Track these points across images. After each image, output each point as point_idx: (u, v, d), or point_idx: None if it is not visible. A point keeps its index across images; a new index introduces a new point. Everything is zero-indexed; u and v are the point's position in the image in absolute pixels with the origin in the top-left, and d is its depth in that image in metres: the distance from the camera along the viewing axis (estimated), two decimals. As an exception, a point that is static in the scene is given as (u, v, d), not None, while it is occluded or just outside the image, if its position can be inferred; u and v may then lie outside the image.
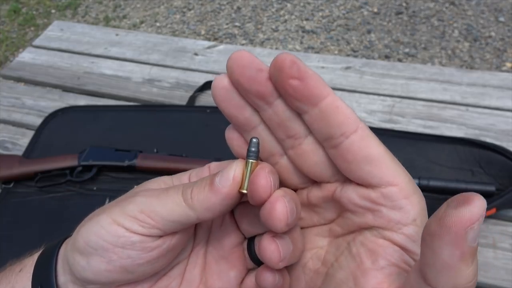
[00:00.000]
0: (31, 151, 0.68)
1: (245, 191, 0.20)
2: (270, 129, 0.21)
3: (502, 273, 0.52)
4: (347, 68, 0.79)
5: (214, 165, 0.25)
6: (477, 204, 0.14)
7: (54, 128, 0.72)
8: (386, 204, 0.19)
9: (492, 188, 0.56)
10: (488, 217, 0.56)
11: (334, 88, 0.76)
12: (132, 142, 0.67)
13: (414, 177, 0.58)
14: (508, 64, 1.69)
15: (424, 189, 0.58)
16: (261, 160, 0.22)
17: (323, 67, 0.80)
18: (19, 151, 0.70)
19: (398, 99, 0.73)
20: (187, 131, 0.70)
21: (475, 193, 0.15)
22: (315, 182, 0.22)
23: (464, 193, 0.15)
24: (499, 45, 1.76)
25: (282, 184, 0.22)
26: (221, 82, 0.20)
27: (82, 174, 0.64)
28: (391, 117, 0.70)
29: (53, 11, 2.20)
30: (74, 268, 0.22)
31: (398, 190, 0.19)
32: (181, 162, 0.62)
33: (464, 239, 0.14)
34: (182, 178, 0.25)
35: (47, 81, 0.82)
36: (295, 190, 0.23)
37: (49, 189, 0.63)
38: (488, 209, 0.54)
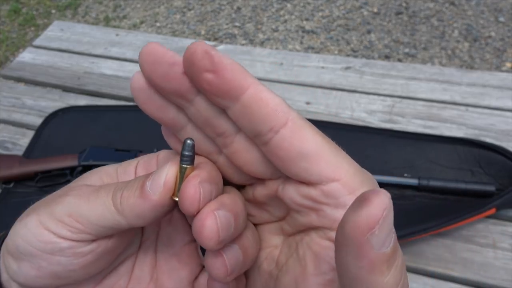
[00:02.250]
0: (31, 151, 0.68)
1: (177, 199, 0.18)
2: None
3: (502, 273, 0.52)
4: (347, 68, 0.79)
5: (163, 154, 0.22)
6: (376, 203, 0.12)
7: (54, 128, 0.72)
8: (329, 202, 0.17)
9: (492, 188, 0.56)
10: (488, 217, 0.56)
11: (334, 88, 0.76)
12: (132, 142, 0.67)
13: (414, 177, 0.59)
14: (508, 64, 1.69)
15: (424, 189, 0.58)
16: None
17: (323, 67, 0.80)
18: (19, 151, 0.70)
19: (398, 99, 0.73)
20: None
21: (377, 190, 0.13)
22: (259, 178, 0.20)
23: (365, 192, 0.13)
24: (499, 45, 1.76)
25: (226, 181, 0.20)
26: (138, 82, 0.18)
27: (82, 174, 0.64)
28: (391, 117, 0.71)
29: (53, 11, 2.20)
30: (8, 270, 0.20)
31: (341, 186, 0.17)
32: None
33: (368, 246, 0.12)
34: (128, 168, 0.22)
35: (47, 81, 0.82)
36: (243, 187, 0.21)
37: (49, 189, 0.63)
38: (488, 209, 0.54)
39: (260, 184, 0.20)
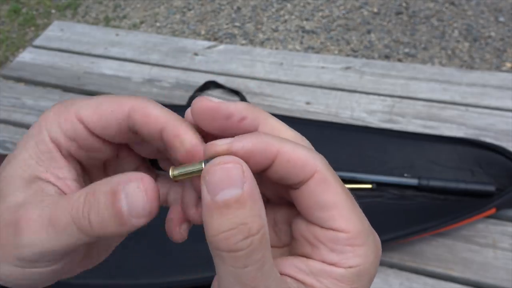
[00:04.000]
0: (31, 151, 0.68)
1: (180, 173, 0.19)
2: None
3: (502, 273, 0.52)
4: (347, 68, 0.79)
5: (89, 117, 0.21)
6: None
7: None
8: (328, 245, 0.19)
9: (491, 188, 0.57)
10: (488, 217, 0.56)
11: (334, 88, 0.76)
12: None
13: (414, 177, 0.59)
14: (508, 64, 1.69)
15: (424, 189, 0.58)
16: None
17: (323, 67, 0.80)
18: (19, 151, 0.70)
19: (398, 99, 0.73)
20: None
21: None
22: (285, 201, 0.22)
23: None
24: (499, 45, 1.76)
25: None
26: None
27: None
28: (391, 117, 0.71)
29: (53, 11, 2.20)
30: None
31: (345, 238, 0.18)
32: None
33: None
34: (42, 147, 0.21)
35: (47, 81, 0.82)
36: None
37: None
38: (488, 209, 0.54)
39: (285, 208, 0.22)
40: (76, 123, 0.20)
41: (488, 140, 0.65)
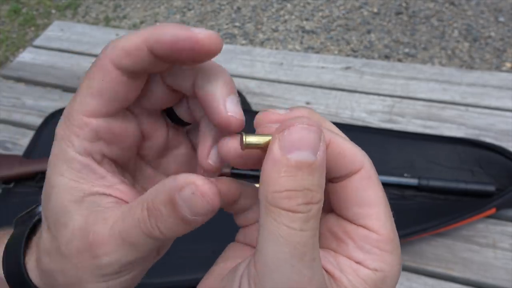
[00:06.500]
0: (31, 151, 0.68)
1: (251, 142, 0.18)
2: None
3: (502, 273, 0.52)
4: (347, 68, 0.79)
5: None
6: None
7: (55, 128, 0.72)
8: (357, 242, 0.19)
9: (491, 188, 0.56)
10: (488, 217, 0.56)
11: (334, 88, 0.76)
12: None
13: (414, 177, 0.59)
14: (508, 64, 1.69)
15: (424, 189, 0.58)
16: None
17: (323, 67, 0.80)
18: (19, 151, 0.70)
19: (398, 99, 0.73)
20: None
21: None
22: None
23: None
24: (498, 45, 1.76)
25: None
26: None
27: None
28: (391, 117, 0.71)
29: (53, 11, 2.20)
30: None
31: (376, 239, 0.18)
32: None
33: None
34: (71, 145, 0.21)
35: (47, 81, 0.82)
36: None
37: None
38: (488, 209, 0.54)
39: None
40: (87, 120, 0.20)
41: (488, 140, 0.65)
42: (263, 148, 0.18)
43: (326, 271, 0.18)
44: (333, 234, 0.19)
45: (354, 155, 0.19)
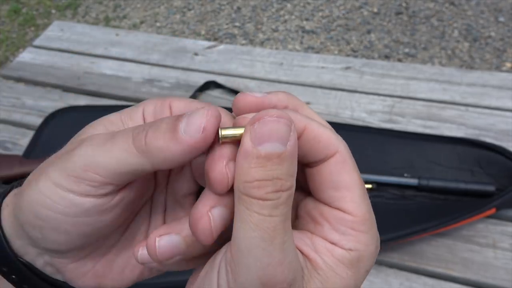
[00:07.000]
0: (31, 151, 0.68)
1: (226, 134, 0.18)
2: None
3: (502, 273, 0.52)
4: (347, 68, 0.79)
5: (178, 103, 0.21)
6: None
7: (54, 128, 0.72)
8: (332, 223, 0.19)
9: (491, 188, 0.56)
10: (488, 217, 0.56)
11: (334, 88, 0.76)
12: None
13: (414, 177, 0.59)
14: (508, 64, 1.69)
15: (424, 189, 0.58)
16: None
17: (323, 67, 0.80)
18: (19, 151, 0.70)
19: (398, 99, 0.73)
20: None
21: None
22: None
23: None
24: (499, 45, 1.76)
25: None
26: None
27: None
28: (391, 117, 0.71)
29: (53, 11, 2.20)
30: (32, 237, 0.20)
31: (351, 220, 0.19)
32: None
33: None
34: (134, 115, 0.21)
35: (47, 81, 0.82)
36: None
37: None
38: (488, 209, 0.54)
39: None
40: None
41: (488, 140, 0.65)
42: (239, 140, 0.18)
43: (302, 252, 0.19)
44: (310, 217, 0.20)
45: (329, 139, 0.19)
